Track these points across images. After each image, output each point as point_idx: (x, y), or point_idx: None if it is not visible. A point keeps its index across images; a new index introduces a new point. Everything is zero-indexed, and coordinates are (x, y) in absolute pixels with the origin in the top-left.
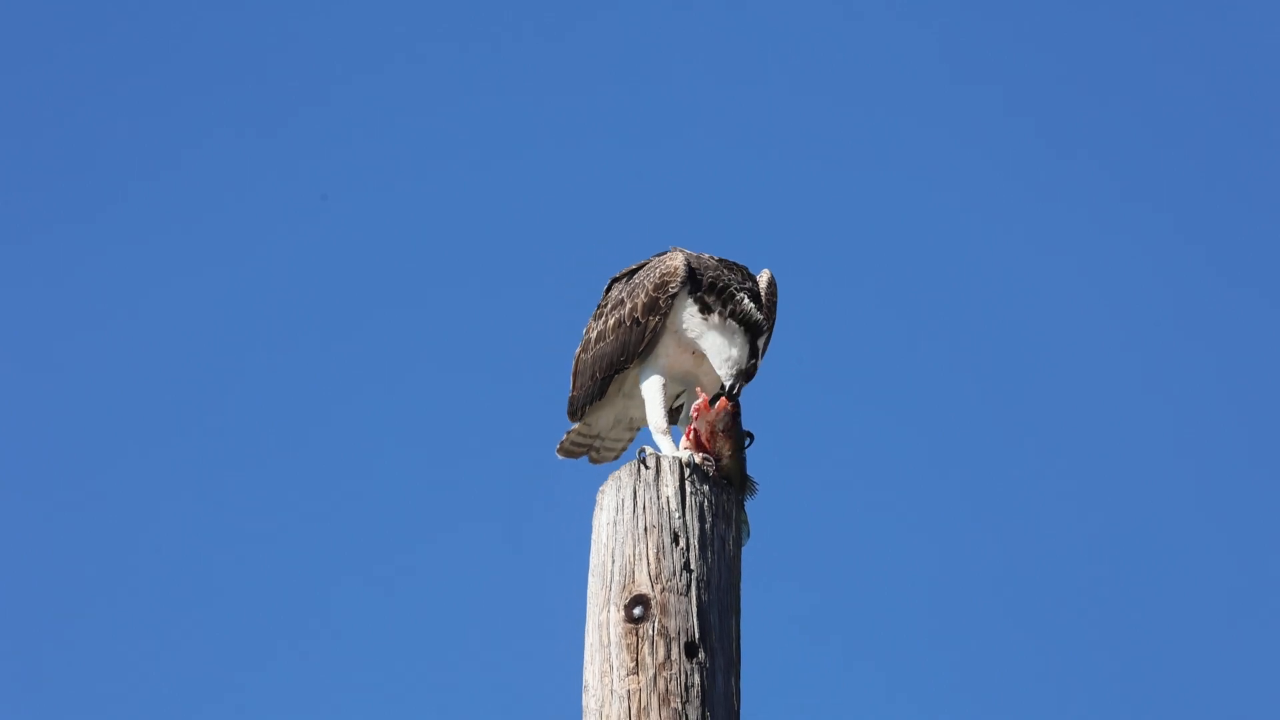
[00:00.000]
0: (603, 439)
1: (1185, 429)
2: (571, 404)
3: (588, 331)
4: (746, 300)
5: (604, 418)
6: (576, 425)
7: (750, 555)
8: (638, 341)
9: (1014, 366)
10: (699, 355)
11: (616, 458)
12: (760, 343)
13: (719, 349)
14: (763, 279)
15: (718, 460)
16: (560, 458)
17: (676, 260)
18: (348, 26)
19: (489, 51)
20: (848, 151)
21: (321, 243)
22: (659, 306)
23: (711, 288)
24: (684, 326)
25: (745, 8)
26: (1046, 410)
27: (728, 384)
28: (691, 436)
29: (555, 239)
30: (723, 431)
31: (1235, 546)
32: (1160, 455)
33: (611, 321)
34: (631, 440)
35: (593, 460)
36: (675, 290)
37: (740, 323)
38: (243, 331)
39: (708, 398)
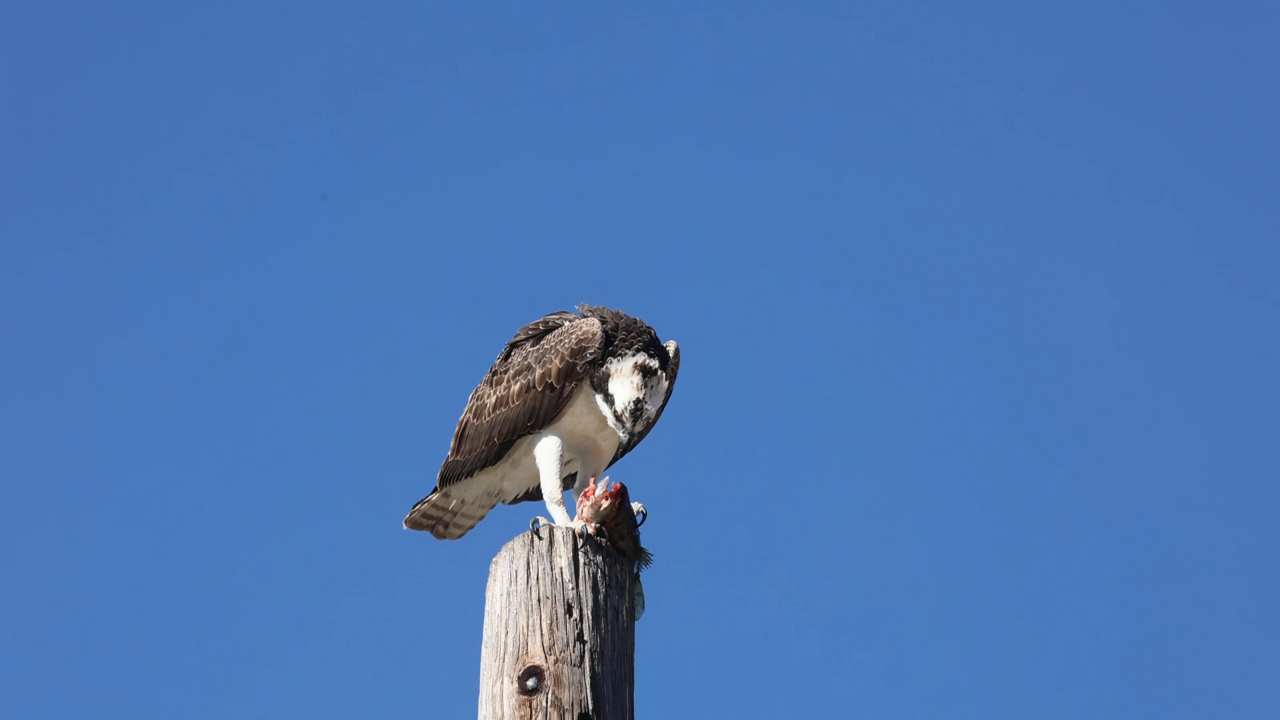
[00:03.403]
0: (456, 515)
1: (1184, 426)
2: (451, 468)
3: (480, 397)
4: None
5: (475, 488)
6: (434, 497)
7: (643, 626)
8: (550, 406)
9: (1003, 366)
10: (603, 419)
11: (463, 534)
12: (650, 384)
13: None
14: (669, 349)
15: (613, 543)
16: (406, 529)
17: (593, 326)
18: (346, 29)
19: (487, 54)
20: (841, 152)
21: (320, 243)
22: (576, 372)
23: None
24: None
25: (742, 11)
26: (1040, 412)
27: (621, 425)
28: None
29: (553, 244)
30: (608, 524)
31: (1239, 545)
32: (1157, 452)
33: (516, 387)
34: (483, 517)
35: (437, 535)
36: (594, 355)
37: (641, 372)
38: (239, 331)
39: (592, 488)
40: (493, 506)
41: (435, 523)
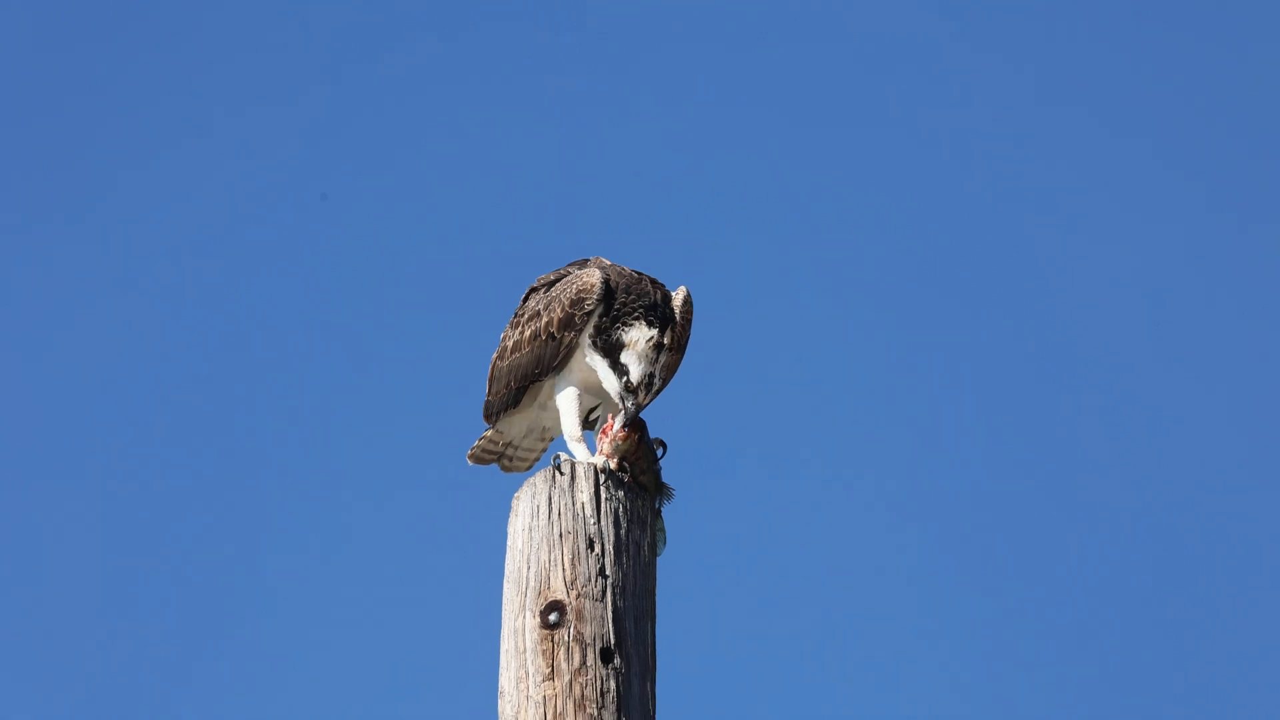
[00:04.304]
0: (515, 447)
1: (1207, 418)
2: (487, 408)
3: (504, 339)
4: (641, 326)
5: (517, 426)
6: (489, 432)
7: (664, 561)
8: (553, 356)
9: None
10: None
11: (528, 468)
12: (660, 358)
13: (605, 369)
14: (678, 297)
15: (634, 478)
16: (471, 464)
17: (594, 277)
18: (342, 23)
19: (484, 47)
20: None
21: (321, 240)
22: (575, 323)
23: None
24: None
25: None
26: (1034, 411)
27: (620, 402)
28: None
29: (537, 225)
30: (628, 458)
31: (1240, 543)
32: (1157, 451)
33: (528, 333)
34: (544, 450)
35: (504, 469)
36: (592, 307)
37: (656, 349)
38: (231, 323)
39: (610, 424)
40: (549, 440)
41: (497, 457)
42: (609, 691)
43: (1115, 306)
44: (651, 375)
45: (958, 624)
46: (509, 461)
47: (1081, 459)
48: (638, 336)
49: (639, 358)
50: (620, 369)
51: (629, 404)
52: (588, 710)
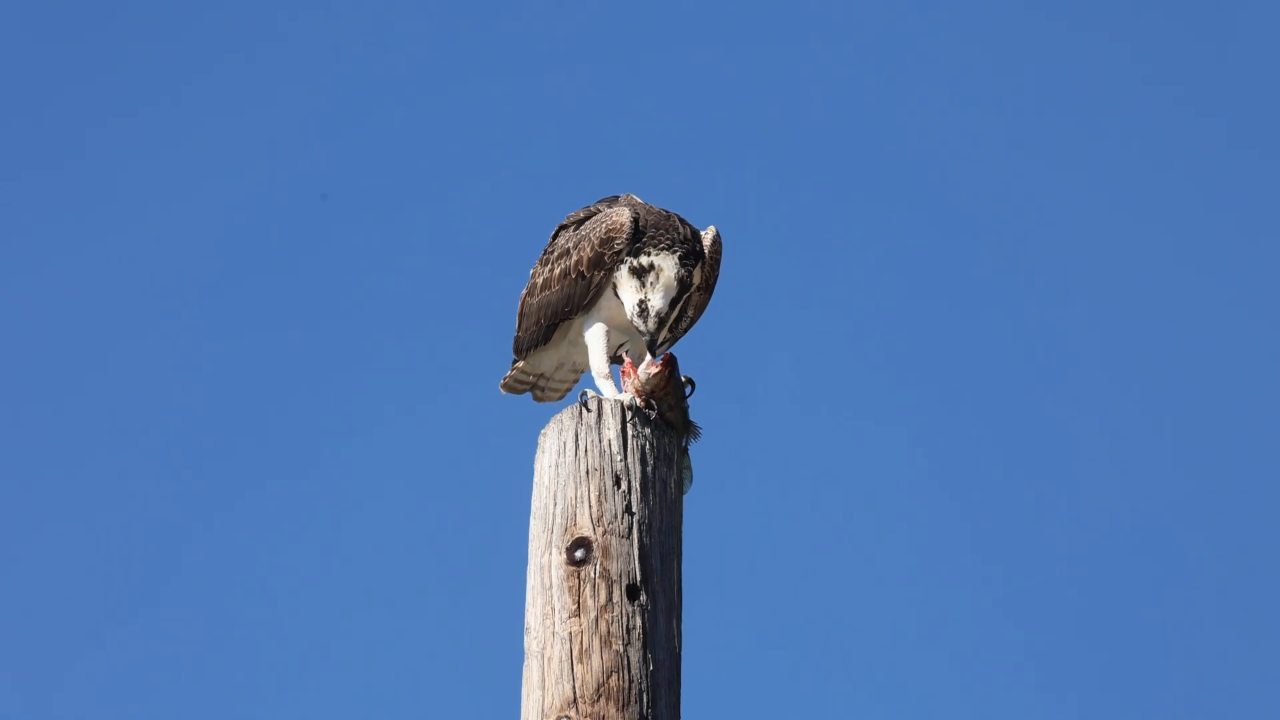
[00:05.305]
0: (547, 379)
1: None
2: (517, 343)
3: (534, 275)
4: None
5: (547, 360)
6: (520, 364)
7: (691, 499)
8: (582, 294)
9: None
10: None
11: (561, 398)
12: (685, 300)
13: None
14: (707, 236)
15: (661, 415)
16: (503, 393)
17: (624, 216)
18: (342, 20)
19: (481, 37)
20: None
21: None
22: (604, 262)
23: (649, 242)
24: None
25: None
26: (1036, 408)
27: (643, 331)
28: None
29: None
30: (656, 394)
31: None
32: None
33: (557, 271)
34: (576, 381)
35: (536, 399)
36: (621, 246)
37: (680, 285)
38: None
39: (630, 362)
40: (580, 373)
41: (529, 387)
42: (635, 628)
43: (1127, 302)
44: (667, 308)
45: (997, 567)
46: (541, 392)
47: (1164, 452)
48: (668, 267)
49: (661, 291)
50: (643, 303)
51: (643, 327)
52: (613, 647)
